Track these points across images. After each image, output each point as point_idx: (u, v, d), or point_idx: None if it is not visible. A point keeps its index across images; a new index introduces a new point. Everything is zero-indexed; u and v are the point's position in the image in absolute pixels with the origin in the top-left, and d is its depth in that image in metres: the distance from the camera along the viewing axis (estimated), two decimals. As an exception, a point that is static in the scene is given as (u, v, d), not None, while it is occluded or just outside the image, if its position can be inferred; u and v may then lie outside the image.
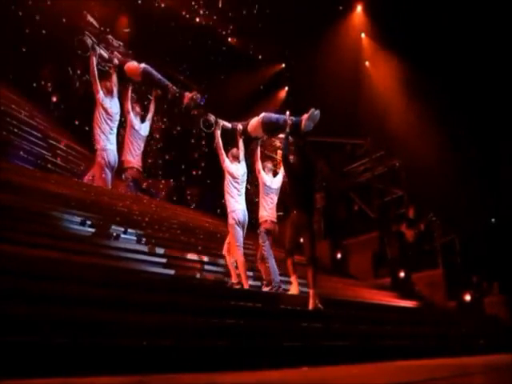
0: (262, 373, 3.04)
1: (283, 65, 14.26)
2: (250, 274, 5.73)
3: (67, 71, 9.31)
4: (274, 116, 5.73)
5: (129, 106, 6.83)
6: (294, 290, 5.12)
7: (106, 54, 6.70)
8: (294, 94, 13.61)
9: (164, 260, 4.91)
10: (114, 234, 4.85)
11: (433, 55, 11.12)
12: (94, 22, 7.15)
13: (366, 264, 10.10)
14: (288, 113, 5.61)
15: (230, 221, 5.43)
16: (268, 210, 5.70)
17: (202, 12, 11.87)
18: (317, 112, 5.35)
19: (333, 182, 11.78)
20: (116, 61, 6.76)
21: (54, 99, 9.70)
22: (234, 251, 5.35)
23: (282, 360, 3.40)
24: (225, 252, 5.49)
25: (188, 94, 6.28)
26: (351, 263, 10.47)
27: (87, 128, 7.34)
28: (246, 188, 5.80)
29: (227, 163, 5.58)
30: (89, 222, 4.66)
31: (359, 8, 13.21)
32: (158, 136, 10.97)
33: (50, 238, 3.85)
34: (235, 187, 5.52)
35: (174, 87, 6.46)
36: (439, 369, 4.04)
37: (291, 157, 5.33)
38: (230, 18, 11.88)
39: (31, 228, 3.88)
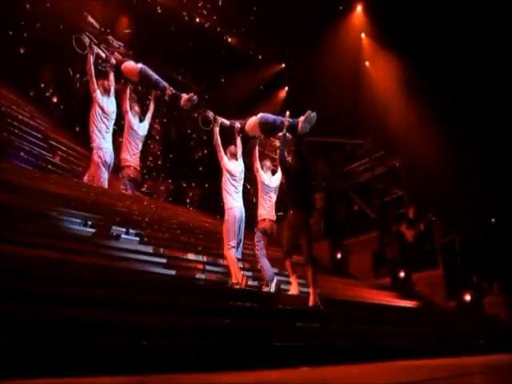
0: (262, 373, 3.04)
1: (283, 65, 14.27)
2: (250, 274, 5.73)
3: (68, 72, 9.34)
4: (271, 117, 5.74)
5: (127, 105, 6.83)
6: (293, 290, 5.12)
7: (103, 53, 6.71)
8: (294, 94, 13.62)
9: (164, 260, 4.91)
10: (114, 234, 4.85)
11: (433, 55, 11.11)
12: (95, 23, 7.17)
13: (366, 264, 10.10)
14: (288, 113, 5.62)
15: (226, 217, 5.44)
16: (266, 209, 5.72)
17: (202, 12, 11.88)
18: (313, 114, 5.37)
19: (333, 182, 11.78)
20: (113, 60, 6.77)
21: (55, 100, 9.71)
22: (224, 247, 5.36)
23: (282, 360, 3.40)
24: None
25: (185, 96, 6.29)
26: (351, 263, 10.46)
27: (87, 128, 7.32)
28: (246, 187, 5.81)
29: (225, 160, 5.60)
30: (89, 223, 4.66)
31: (359, 8, 13.21)
32: (158, 137, 10.99)
33: (50, 238, 3.85)
34: (233, 185, 5.54)
35: (171, 88, 6.47)
36: (439, 369, 4.04)
37: (288, 157, 5.36)
38: (230, 18, 11.88)
39: (31, 228, 3.88)
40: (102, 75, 6.76)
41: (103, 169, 6.45)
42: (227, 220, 5.43)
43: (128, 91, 6.86)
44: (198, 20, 12.08)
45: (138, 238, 5.06)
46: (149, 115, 7.10)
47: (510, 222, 10.32)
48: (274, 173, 5.95)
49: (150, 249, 4.94)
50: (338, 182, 11.84)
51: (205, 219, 8.10)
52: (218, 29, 12.37)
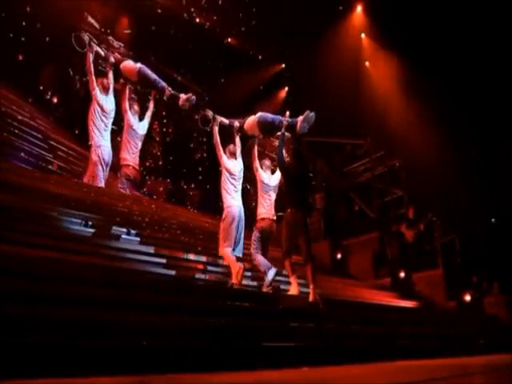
0: (262, 373, 3.04)
1: (283, 65, 14.27)
2: (249, 274, 5.73)
3: (68, 72, 9.34)
4: (269, 116, 5.75)
5: (126, 105, 6.83)
6: (293, 290, 5.11)
7: (102, 52, 6.71)
8: (294, 94, 13.63)
9: (164, 260, 4.91)
10: (115, 235, 4.85)
11: (433, 55, 11.12)
12: (95, 23, 7.16)
13: (366, 264, 10.10)
14: (288, 113, 5.63)
15: (224, 216, 5.44)
16: (266, 208, 5.73)
17: (202, 13, 11.88)
18: (312, 114, 5.38)
19: (333, 182, 11.78)
20: (112, 59, 6.77)
21: (55, 100, 9.71)
22: (220, 245, 5.36)
23: (282, 360, 3.40)
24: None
25: (183, 96, 6.29)
26: (351, 263, 10.47)
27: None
28: (247, 188, 5.81)
29: (224, 159, 5.61)
30: (89, 223, 4.66)
31: (359, 8, 13.23)
32: (157, 138, 10.99)
33: (50, 239, 3.85)
34: (232, 183, 5.55)
35: (170, 88, 6.47)
36: (439, 369, 4.04)
37: (287, 157, 5.36)
38: (230, 18, 11.89)
39: (30, 228, 3.88)
40: (101, 74, 6.77)
41: (100, 167, 6.44)
42: (224, 218, 5.43)
43: (127, 90, 6.86)
44: (198, 20, 12.08)
45: (138, 238, 5.05)
46: (148, 114, 7.10)
47: (510, 222, 10.33)
48: (273, 172, 5.95)
49: (150, 249, 4.93)
50: (338, 182, 11.84)
51: (205, 219, 8.10)
52: (218, 29, 12.37)
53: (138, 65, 6.72)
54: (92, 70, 6.50)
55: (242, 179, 5.71)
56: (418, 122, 11.79)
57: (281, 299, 4.94)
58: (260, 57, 13.59)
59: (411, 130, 11.82)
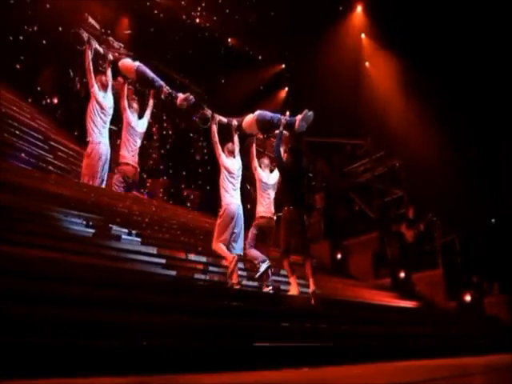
0: (262, 373, 3.04)
1: (283, 65, 14.28)
2: (249, 274, 5.72)
3: (68, 73, 9.34)
4: (268, 114, 5.75)
5: (125, 103, 6.82)
6: (293, 290, 5.11)
7: (101, 49, 6.71)
8: (294, 95, 13.64)
9: (164, 261, 4.91)
10: (115, 235, 4.85)
11: (433, 55, 11.13)
12: (95, 24, 7.16)
13: (366, 264, 10.09)
14: (288, 113, 5.65)
15: (221, 213, 5.44)
16: (265, 206, 5.74)
17: (202, 13, 11.89)
18: (310, 113, 5.39)
19: (333, 182, 11.77)
20: (111, 56, 6.78)
21: (55, 101, 9.71)
22: (214, 240, 5.36)
23: (283, 360, 3.40)
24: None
25: (181, 96, 6.29)
26: (351, 263, 10.46)
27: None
28: (247, 188, 5.81)
29: (223, 158, 5.61)
30: (90, 223, 4.66)
31: (359, 8, 13.24)
32: (156, 138, 10.99)
33: (50, 239, 3.85)
34: (231, 182, 5.55)
35: (168, 87, 6.47)
36: (439, 369, 4.04)
37: (284, 155, 5.38)
38: (230, 18, 11.89)
39: (30, 228, 3.87)
40: (100, 72, 6.77)
41: (99, 165, 6.42)
42: (221, 215, 5.43)
43: (126, 89, 6.86)
44: (198, 21, 12.09)
45: (138, 239, 5.05)
46: (148, 112, 7.09)
47: (510, 222, 10.33)
48: (271, 171, 5.96)
49: (150, 249, 4.93)
50: (338, 182, 11.83)
51: (205, 219, 8.10)
52: (218, 29, 12.38)
53: (137, 63, 6.72)
54: (91, 67, 6.51)
55: (240, 178, 5.72)
56: (418, 122, 11.79)
57: (281, 299, 4.94)
58: (260, 57, 13.59)
59: (411, 129, 11.82)
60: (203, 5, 11.73)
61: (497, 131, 11.08)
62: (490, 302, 8.95)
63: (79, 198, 5.24)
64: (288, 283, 5.37)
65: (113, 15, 10.38)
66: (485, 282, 9.34)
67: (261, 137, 6.00)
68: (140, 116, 7.05)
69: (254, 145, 5.93)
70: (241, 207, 5.56)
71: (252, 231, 5.65)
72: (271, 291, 5.29)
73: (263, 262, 5.30)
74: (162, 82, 6.58)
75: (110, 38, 7.22)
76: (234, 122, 5.89)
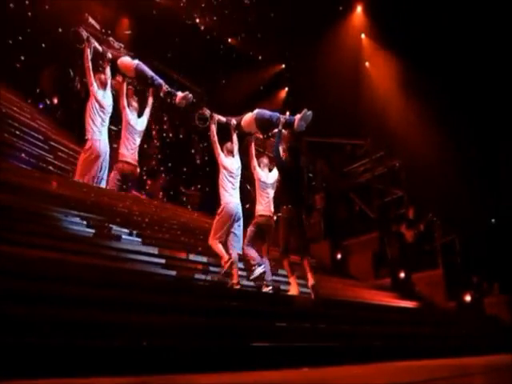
0: (262, 373, 3.04)
1: (283, 65, 14.28)
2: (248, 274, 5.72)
3: (68, 73, 9.34)
4: (267, 113, 5.75)
5: (124, 101, 6.82)
6: (293, 290, 5.11)
7: (100, 48, 6.71)
8: (294, 95, 13.64)
9: (164, 261, 4.91)
10: (115, 235, 4.85)
11: (433, 55, 11.13)
12: (96, 24, 7.16)
13: (366, 264, 10.09)
14: (288, 113, 5.65)
15: (219, 211, 5.44)
16: (264, 205, 5.73)
17: (202, 13, 11.89)
18: (309, 113, 5.39)
19: (333, 182, 11.77)
20: (109, 54, 6.78)
21: (55, 101, 9.71)
22: (210, 237, 5.36)
23: (282, 360, 3.40)
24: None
25: (180, 94, 6.29)
26: (351, 264, 10.45)
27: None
28: (246, 187, 5.81)
29: (222, 157, 5.61)
30: (90, 223, 4.66)
31: (359, 8, 13.24)
32: (156, 139, 10.99)
33: (49, 239, 3.85)
34: (230, 181, 5.55)
35: (167, 86, 6.47)
36: (439, 369, 4.04)
37: (283, 154, 5.38)
38: (230, 18, 11.89)
39: (30, 228, 3.87)
40: (99, 70, 6.77)
41: (97, 163, 6.41)
42: (220, 213, 5.43)
43: (125, 87, 6.86)
44: (198, 21, 12.09)
45: (138, 239, 5.06)
46: (147, 110, 7.09)
47: (510, 222, 10.33)
48: (270, 170, 5.97)
49: (150, 249, 4.93)
50: (338, 182, 11.83)
51: (205, 219, 8.09)
52: (218, 29, 12.38)
53: (136, 61, 6.73)
54: (90, 65, 6.51)
55: (239, 177, 5.71)
56: (417, 121, 11.79)
57: (281, 299, 4.94)
58: (260, 57, 13.59)
59: (411, 129, 11.83)
60: (203, 5, 11.73)
61: (497, 131, 11.08)
62: (490, 302, 8.95)
63: (79, 198, 5.23)
64: (288, 283, 5.37)
65: (113, 15, 10.39)
66: (485, 282, 9.34)
67: (260, 137, 6.00)
68: (139, 114, 7.05)
69: (253, 144, 5.93)
70: (240, 206, 5.56)
71: (250, 229, 5.65)
72: (271, 291, 5.30)
73: (259, 265, 5.29)
74: (161, 81, 6.59)
75: (110, 38, 7.22)
76: (233, 121, 5.89)
